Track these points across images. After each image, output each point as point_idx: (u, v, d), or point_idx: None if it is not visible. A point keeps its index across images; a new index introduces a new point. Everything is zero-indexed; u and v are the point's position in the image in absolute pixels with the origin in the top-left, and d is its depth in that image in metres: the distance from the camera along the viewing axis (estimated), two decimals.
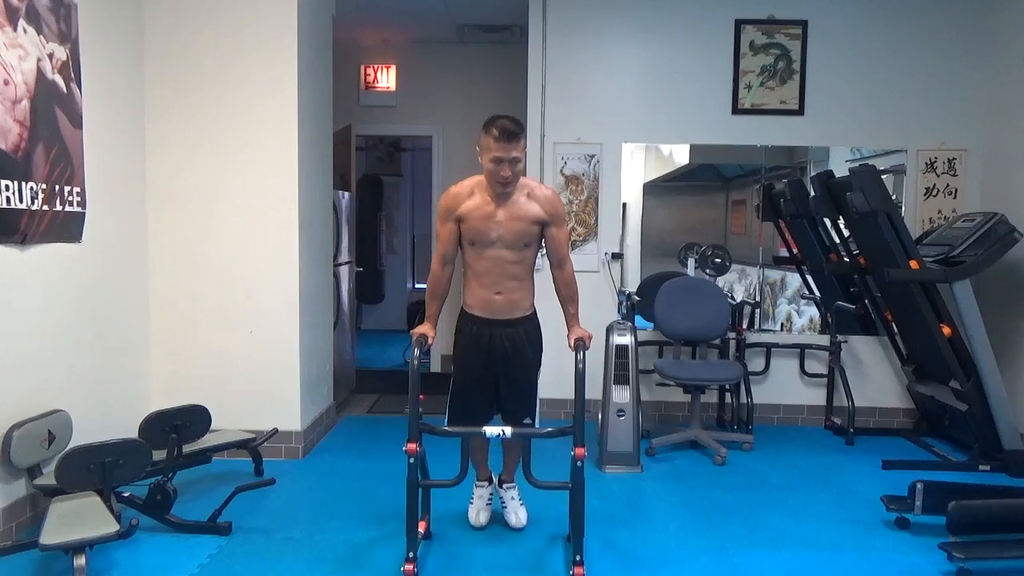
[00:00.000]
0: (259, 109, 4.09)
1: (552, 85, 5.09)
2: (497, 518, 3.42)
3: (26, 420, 3.07)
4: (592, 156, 5.12)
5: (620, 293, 4.92)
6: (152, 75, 4.07)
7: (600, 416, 4.20)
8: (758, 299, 5.26)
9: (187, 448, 3.49)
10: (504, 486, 3.34)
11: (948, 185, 5.04)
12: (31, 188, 3.11)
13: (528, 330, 3.04)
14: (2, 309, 3.02)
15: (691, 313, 4.58)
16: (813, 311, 5.28)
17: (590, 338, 2.94)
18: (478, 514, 3.30)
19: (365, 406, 5.53)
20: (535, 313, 3.09)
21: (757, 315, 5.24)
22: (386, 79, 6.71)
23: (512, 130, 2.75)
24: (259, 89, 4.08)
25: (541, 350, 3.11)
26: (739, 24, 5.03)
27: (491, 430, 2.73)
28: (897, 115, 5.03)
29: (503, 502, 3.34)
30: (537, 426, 3.10)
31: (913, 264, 4.19)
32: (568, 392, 2.90)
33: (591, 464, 4.03)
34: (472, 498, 3.35)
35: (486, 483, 3.35)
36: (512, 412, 3.06)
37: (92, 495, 2.90)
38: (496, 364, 3.01)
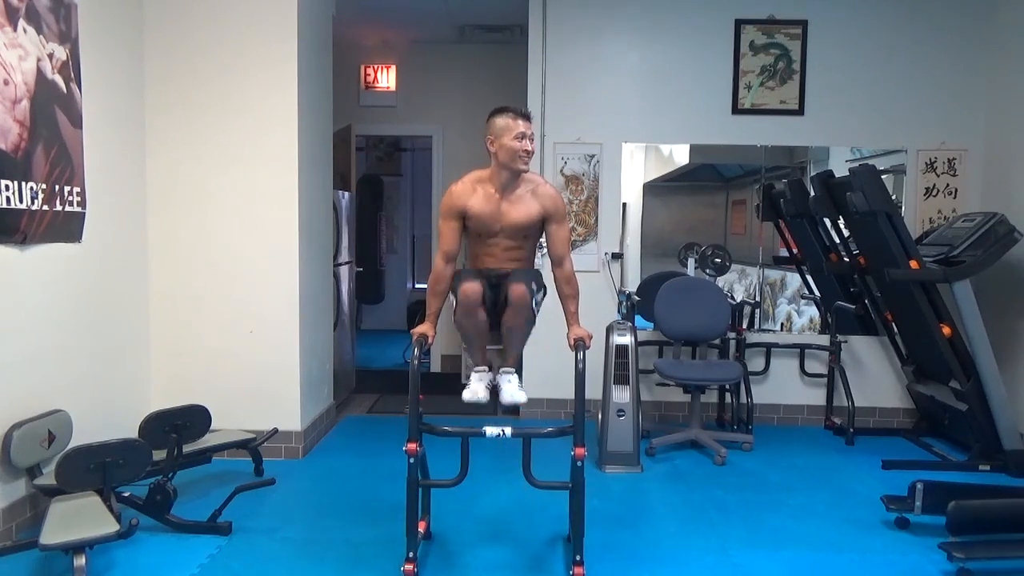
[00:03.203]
0: (259, 109, 4.09)
1: (552, 85, 5.09)
2: (496, 516, 3.42)
3: (26, 420, 3.07)
4: (592, 156, 5.12)
5: (620, 293, 4.92)
6: (152, 75, 4.07)
7: (600, 416, 4.20)
8: (758, 299, 5.26)
9: (187, 448, 3.49)
10: (501, 370, 3.09)
11: (948, 185, 5.04)
12: (31, 188, 3.11)
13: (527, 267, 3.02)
14: (2, 309, 3.02)
15: (691, 313, 4.58)
16: (813, 311, 5.28)
17: (590, 338, 2.93)
18: (475, 393, 3.02)
19: (365, 406, 5.53)
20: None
21: (757, 315, 5.24)
22: (386, 79, 6.71)
23: (527, 111, 2.94)
24: (259, 89, 4.08)
25: (543, 285, 3.04)
26: (739, 24, 5.03)
27: (491, 430, 2.73)
28: (897, 115, 5.03)
29: (498, 385, 3.08)
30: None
31: (913, 264, 4.19)
32: (568, 392, 2.90)
33: (591, 464, 4.03)
34: (469, 381, 3.08)
35: (485, 368, 3.09)
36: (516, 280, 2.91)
37: (92, 495, 2.90)
38: (495, 288, 2.94)
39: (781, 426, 5.11)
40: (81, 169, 3.47)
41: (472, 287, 2.85)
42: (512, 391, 3.05)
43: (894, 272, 4.18)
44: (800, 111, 5.05)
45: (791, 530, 3.37)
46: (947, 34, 4.99)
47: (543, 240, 3.04)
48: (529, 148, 2.87)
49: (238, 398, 4.12)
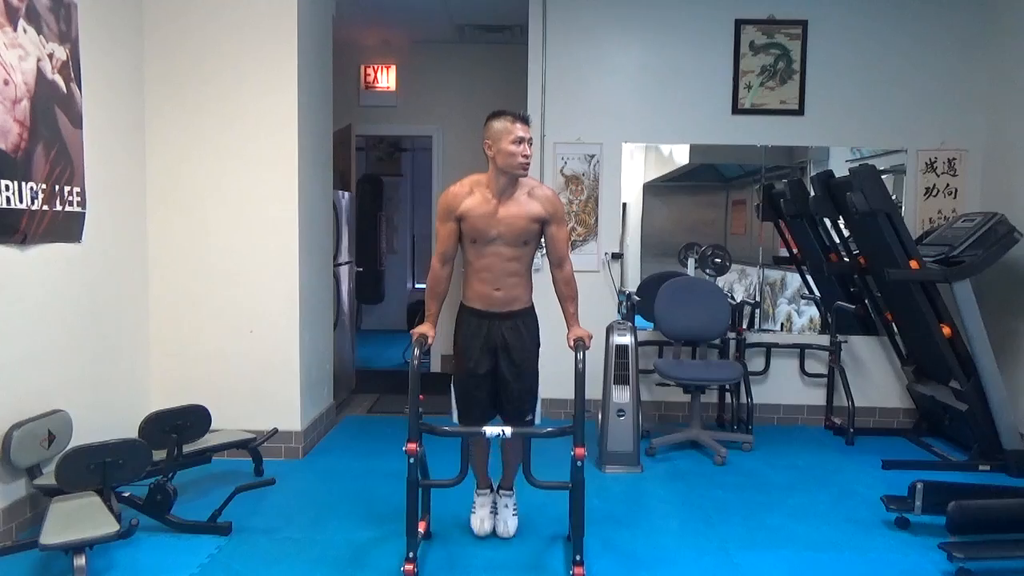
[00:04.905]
0: (259, 109, 4.09)
1: (552, 85, 5.09)
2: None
3: (26, 420, 3.07)
4: (592, 156, 5.12)
5: (620, 293, 4.92)
6: (152, 75, 4.07)
7: (600, 416, 4.20)
8: (758, 299, 5.26)
9: (187, 448, 3.49)
10: (501, 492, 3.28)
11: (948, 185, 5.04)
12: (31, 188, 3.11)
13: (526, 322, 3.03)
14: (2, 309, 3.02)
15: (691, 313, 4.58)
16: (813, 311, 5.28)
17: (590, 338, 2.94)
18: (482, 523, 3.23)
19: (365, 406, 5.52)
20: (533, 307, 3.08)
21: (757, 315, 5.24)
22: (386, 79, 6.71)
23: (525, 114, 2.91)
24: (259, 89, 4.08)
25: (538, 343, 3.09)
26: (739, 24, 5.03)
27: (491, 430, 2.73)
28: (897, 115, 5.03)
29: (496, 508, 3.28)
30: (538, 424, 3.09)
31: (913, 264, 4.19)
32: (568, 392, 2.90)
33: (591, 464, 4.03)
34: (474, 506, 3.28)
35: (487, 491, 3.29)
36: (513, 402, 3.01)
37: (92, 495, 2.90)
38: (496, 354, 2.99)
39: (781, 426, 5.11)
40: (81, 169, 3.47)
41: (480, 446, 3.09)
42: (506, 520, 3.24)
43: (894, 272, 4.18)
44: (800, 111, 5.04)
45: (791, 530, 3.37)
46: (947, 34, 4.99)
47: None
48: (528, 153, 2.85)
49: (238, 398, 4.12)
